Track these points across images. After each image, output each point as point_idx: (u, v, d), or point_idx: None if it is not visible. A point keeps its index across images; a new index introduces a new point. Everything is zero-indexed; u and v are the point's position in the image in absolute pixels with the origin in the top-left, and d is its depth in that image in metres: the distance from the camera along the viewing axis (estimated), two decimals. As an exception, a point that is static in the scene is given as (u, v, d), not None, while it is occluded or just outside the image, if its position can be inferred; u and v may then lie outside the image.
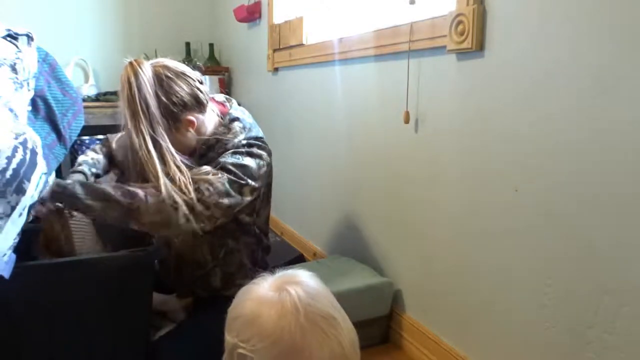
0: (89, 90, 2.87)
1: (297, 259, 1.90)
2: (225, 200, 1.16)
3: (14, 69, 1.02)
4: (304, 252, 2.11)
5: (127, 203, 1.09)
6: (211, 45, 3.10)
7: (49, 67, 1.46)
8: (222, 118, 1.29)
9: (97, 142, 2.69)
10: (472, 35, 1.14)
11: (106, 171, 1.41)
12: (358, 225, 1.74)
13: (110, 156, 1.45)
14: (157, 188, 1.11)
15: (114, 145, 1.46)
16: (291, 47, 2.13)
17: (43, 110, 1.47)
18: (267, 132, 2.27)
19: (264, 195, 1.35)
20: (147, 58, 1.22)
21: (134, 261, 1.11)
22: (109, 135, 1.49)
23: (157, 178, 1.12)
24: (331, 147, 1.89)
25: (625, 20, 0.86)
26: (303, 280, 0.68)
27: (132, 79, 1.13)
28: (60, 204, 1.09)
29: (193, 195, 1.12)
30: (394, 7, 1.54)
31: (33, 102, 1.28)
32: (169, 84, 1.17)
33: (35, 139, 0.94)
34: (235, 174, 1.18)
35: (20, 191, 0.87)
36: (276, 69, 2.35)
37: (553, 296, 1.03)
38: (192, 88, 1.21)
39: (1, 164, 0.84)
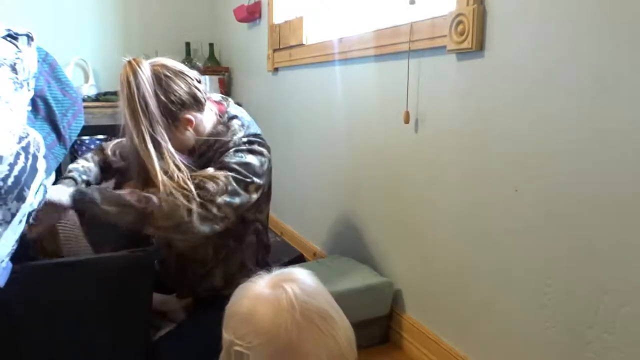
0: (89, 90, 2.87)
1: (297, 259, 1.90)
2: (236, 200, 1.17)
3: (14, 69, 1.02)
4: (304, 252, 2.11)
5: (141, 208, 1.10)
6: (211, 45, 3.10)
7: (49, 67, 1.46)
8: (220, 116, 1.30)
9: (97, 141, 2.69)
10: (472, 35, 1.14)
11: (99, 181, 1.38)
12: (358, 225, 1.74)
13: (103, 164, 1.42)
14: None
15: (109, 151, 1.46)
16: (291, 47, 2.13)
17: (43, 110, 1.47)
18: (267, 132, 2.27)
19: (267, 190, 1.35)
20: (147, 58, 1.23)
21: (134, 261, 1.11)
22: (103, 144, 1.49)
23: (155, 176, 1.13)
24: (331, 147, 1.89)
25: (625, 20, 0.86)
26: (299, 278, 0.68)
27: (131, 78, 1.13)
28: (79, 210, 1.12)
29: (194, 191, 1.13)
30: (394, 7, 1.54)
31: (33, 102, 1.28)
32: (168, 83, 1.18)
33: (38, 140, 0.94)
34: (240, 173, 1.19)
35: (21, 198, 0.87)
36: (276, 69, 2.35)
37: (553, 296, 1.03)
38: (190, 87, 1.21)
39: (3, 170, 0.84)
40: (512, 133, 1.10)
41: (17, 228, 0.90)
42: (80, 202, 1.10)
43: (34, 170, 0.90)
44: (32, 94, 1.13)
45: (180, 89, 1.19)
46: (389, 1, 1.59)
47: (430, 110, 1.34)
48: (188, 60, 3.02)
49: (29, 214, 0.93)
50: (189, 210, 1.11)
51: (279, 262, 1.39)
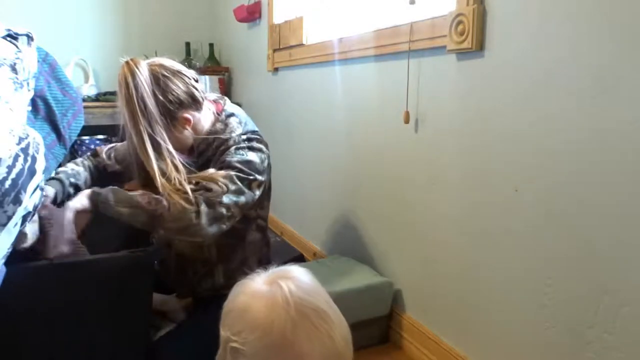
0: (89, 90, 2.88)
1: (297, 259, 1.90)
2: (242, 198, 1.18)
3: (14, 69, 1.02)
4: (304, 252, 2.11)
5: (151, 210, 1.12)
6: (211, 45, 3.10)
7: (49, 67, 1.46)
8: (218, 115, 1.30)
9: (97, 141, 2.68)
10: (472, 35, 1.14)
11: (89, 185, 1.36)
12: (358, 225, 1.74)
13: (96, 168, 1.41)
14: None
15: (104, 155, 1.45)
16: (291, 47, 2.13)
17: (43, 110, 1.47)
18: (267, 132, 2.27)
19: (267, 187, 1.36)
20: (147, 58, 1.23)
21: (134, 261, 1.11)
22: (97, 148, 1.48)
23: (154, 177, 1.14)
24: (331, 147, 1.89)
25: (625, 20, 0.86)
26: (296, 276, 0.68)
27: (129, 79, 1.14)
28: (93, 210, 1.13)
29: (190, 193, 1.13)
30: (394, 7, 1.54)
31: (33, 102, 1.27)
32: (166, 83, 1.18)
33: (38, 141, 0.94)
34: (242, 171, 1.19)
35: (17, 201, 0.87)
36: (276, 69, 2.35)
37: (553, 296, 1.03)
38: (188, 86, 1.22)
39: (1, 173, 0.84)
40: (512, 133, 1.10)
41: (12, 231, 0.90)
42: (97, 203, 1.12)
43: (31, 172, 0.90)
44: (32, 94, 1.12)
45: (178, 88, 1.20)
46: (389, 1, 1.59)
47: (430, 110, 1.34)
48: (187, 60, 3.02)
49: (24, 217, 0.92)
50: (197, 212, 1.11)
51: (279, 262, 1.39)
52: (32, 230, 1.05)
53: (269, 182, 1.36)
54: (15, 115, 0.96)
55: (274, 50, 2.31)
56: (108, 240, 1.27)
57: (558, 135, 0.99)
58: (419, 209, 1.42)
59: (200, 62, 3.12)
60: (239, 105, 1.44)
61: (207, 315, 1.17)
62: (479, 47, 1.15)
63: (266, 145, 1.30)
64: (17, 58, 1.03)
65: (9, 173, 0.85)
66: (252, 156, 1.22)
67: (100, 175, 1.42)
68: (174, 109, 1.20)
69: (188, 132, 1.25)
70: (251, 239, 1.35)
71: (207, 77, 2.94)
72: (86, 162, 1.41)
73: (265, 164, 1.26)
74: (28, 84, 1.08)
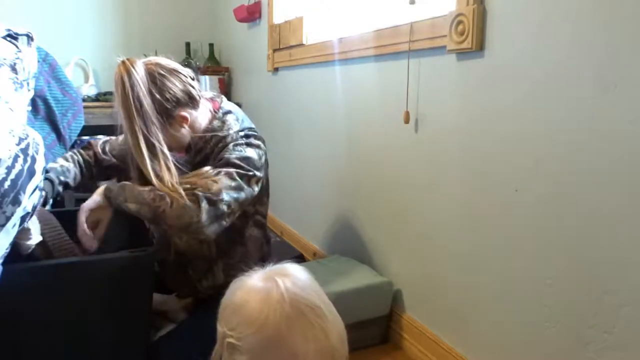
0: (89, 90, 2.88)
1: (297, 259, 1.90)
2: (242, 194, 1.18)
3: (14, 69, 1.02)
4: (304, 252, 2.11)
5: (155, 206, 1.13)
6: (211, 45, 3.10)
7: (49, 67, 1.45)
8: (215, 112, 1.31)
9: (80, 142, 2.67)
10: (472, 35, 1.14)
11: (78, 181, 1.37)
12: (358, 225, 1.74)
13: (88, 163, 1.41)
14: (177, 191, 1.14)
15: (99, 149, 1.45)
16: (291, 47, 2.13)
17: (43, 110, 1.46)
18: (267, 132, 2.27)
19: (265, 184, 1.36)
20: (146, 57, 1.23)
21: (134, 261, 1.11)
22: (91, 141, 1.47)
23: (149, 177, 1.15)
24: (331, 147, 1.89)
25: (626, 20, 0.86)
26: (292, 273, 0.69)
27: (125, 78, 1.14)
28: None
29: (183, 193, 1.14)
30: (394, 7, 1.54)
31: (33, 102, 1.27)
32: (162, 81, 1.19)
33: (37, 141, 0.94)
34: (241, 167, 1.19)
35: (17, 202, 0.87)
36: (276, 69, 2.35)
37: (553, 296, 1.03)
38: (184, 84, 1.22)
39: (1, 173, 0.84)
40: (512, 133, 1.10)
41: (11, 232, 0.90)
42: (109, 199, 1.17)
43: (31, 173, 0.90)
44: (32, 94, 1.13)
45: (174, 86, 1.20)
46: (389, 1, 1.59)
47: (430, 110, 1.34)
48: (187, 60, 3.02)
49: (23, 218, 0.92)
50: (198, 210, 1.11)
51: (278, 261, 1.40)
52: (35, 226, 1.05)
53: (266, 178, 1.36)
54: (15, 115, 0.96)
55: (274, 50, 2.31)
56: (108, 240, 1.27)
57: (558, 135, 0.99)
58: (419, 208, 1.42)
59: (200, 62, 3.12)
60: (239, 105, 1.44)
61: (207, 315, 1.17)
62: (479, 47, 1.15)
63: (263, 142, 1.31)
64: (17, 58, 1.03)
65: (8, 174, 0.85)
66: (250, 152, 1.23)
67: (91, 170, 1.42)
68: (171, 107, 1.20)
69: (185, 131, 1.25)
70: (250, 236, 1.36)
71: (207, 77, 2.94)
72: (76, 157, 1.40)
73: (263, 160, 1.27)
74: (28, 84, 1.08)
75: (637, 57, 0.84)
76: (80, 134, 1.59)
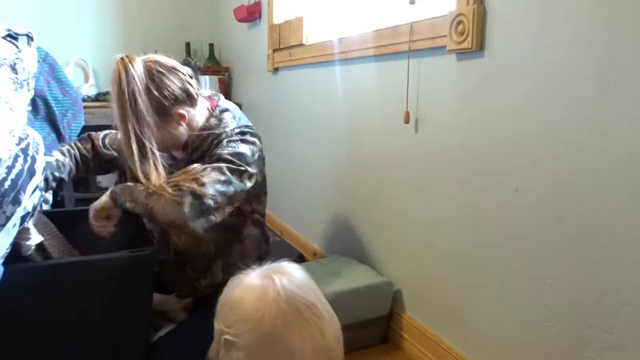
0: (89, 90, 2.88)
1: (297, 259, 1.90)
2: (230, 189, 1.18)
3: (14, 69, 1.02)
4: (304, 252, 2.11)
5: (145, 203, 1.15)
6: (211, 45, 3.10)
7: (49, 67, 1.45)
8: (212, 110, 1.31)
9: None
10: (472, 35, 1.14)
11: (74, 175, 1.37)
12: (358, 225, 1.74)
13: (85, 157, 1.41)
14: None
15: (99, 143, 1.44)
16: (291, 47, 2.13)
17: (43, 110, 1.46)
18: (267, 132, 2.26)
19: (261, 181, 1.36)
20: (145, 54, 1.24)
21: (134, 261, 1.11)
22: (92, 134, 1.45)
23: (137, 176, 1.17)
24: (331, 147, 1.89)
25: (626, 20, 0.86)
26: (289, 271, 0.69)
27: (123, 75, 1.15)
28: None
29: (170, 190, 1.15)
30: (394, 7, 1.54)
31: (33, 102, 1.27)
32: (160, 78, 1.19)
33: (38, 141, 0.94)
34: (233, 162, 1.20)
35: (17, 202, 0.87)
36: (276, 69, 2.35)
37: (553, 296, 1.03)
38: (183, 82, 1.23)
39: (1, 173, 0.84)
40: (512, 132, 1.10)
41: (11, 232, 0.90)
42: (115, 200, 1.20)
43: (31, 173, 0.90)
44: (32, 94, 1.13)
45: (172, 84, 1.21)
46: (389, 1, 1.59)
47: (430, 110, 1.34)
48: (187, 60, 3.02)
49: (23, 218, 0.92)
50: (182, 205, 1.12)
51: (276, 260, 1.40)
52: (34, 227, 1.05)
53: (263, 175, 1.36)
54: (15, 115, 0.96)
55: (274, 50, 2.31)
56: (109, 240, 1.28)
57: (558, 135, 0.99)
58: (419, 208, 1.42)
59: (200, 62, 3.12)
60: (239, 105, 1.44)
61: (207, 315, 1.17)
62: (479, 47, 1.15)
63: (259, 139, 1.31)
64: (17, 58, 1.03)
65: (8, 173, 0.85)
66: (244, 148, 1.23)
67: (87, 164, 1.41)
68: (169, 105, 1.21)
69: (183, 129, 1.26)
70: (248, 234, 1.36)
71: (207, 77, 2.94)
72: (73, 151, 1.39)
73: (257, 156, 1.27)
74: (28, 84, 1.08)
75: (637, 57, 0.84)
76: (80, 134, 1.60)
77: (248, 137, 1.27)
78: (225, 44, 3.13)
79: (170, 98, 1.20)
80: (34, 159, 0.92)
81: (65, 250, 1.27)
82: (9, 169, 0.85)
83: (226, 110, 1.31)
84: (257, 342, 0.63)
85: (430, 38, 1.29)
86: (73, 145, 1.41)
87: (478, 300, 1.23)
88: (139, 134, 1.16)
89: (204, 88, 2.74)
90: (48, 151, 1.34)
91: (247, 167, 1.21)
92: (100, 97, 2.79)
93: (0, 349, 1.05)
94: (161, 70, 1.20)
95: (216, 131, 1.26)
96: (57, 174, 1.31)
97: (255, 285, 0.67)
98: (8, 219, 0.87)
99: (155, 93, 1.18)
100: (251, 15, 2.50)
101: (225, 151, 1.21)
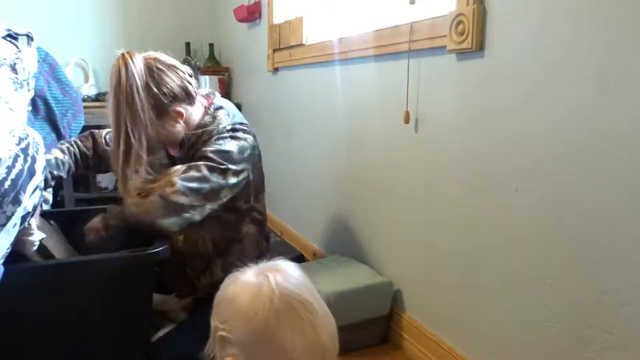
0: (89, 90, 2.88)
1: (297, 259, 1.90)
2: (206, 186, 1.19)
3: (14, 69, 1.02)
4: (304, 252, 2.11)
5: (120, 211, 1.20)
6: (211, 45, 3.10)
7: (49, 67, 1.45)
8: (207, 108, 1.32)
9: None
10: (472, 35, 1.14)
11: (73, 172, 1.38)
12: (358, 225, 1.74)
13: (85, 155, 1.42)
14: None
15: (102, 140, 1.45)
16: (291, 47, 2.13)
17: (43, 110, 1.46)
18: (267, 132, 2.26)
19: (257, 179, 1.36)
20: (146, 51, 1.26)
21: (134, 261, 1.11)
22: (94, 132, 1.46)
23: (117, 178, 1.22)
24: (331, 147, 1.89)
25: (626, 20, 0.86)
26: (284, 269, 0.70)
27: (122, 71, 1.16)
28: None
29: (137, 194, 1.19)
30: (394, 7, 1.54)
31: (33, 102, 1.27)
32: (160, 75, 1.20)
33: (38, 141, 0.94)
34: (213, 160, 1.21)
35: (17, 202, 0.87)
36: (276, 69, 2.35)
37: (553, 296, 1.03)
38: (182, 80, 1.24)
39: (1, 173, 0.84)
40: (513, 132, 1.10)
41: (11, 231, 0.90)
42: (107, 226, 1.23)
43: (31, 173, 0.90)
44: (32, 94, 1.13)
45: (172, 81, 1.22)
46: (389, 1, 1.59)
47: (430, 110, 1.34)
48: (187, 60, 3.02)
49: (23, 218, 0.92)
50: (150, 205, 1.16)
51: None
52: (35, 223, 1.05)
53: (259, 173, 1.37)
54: (15, 115, 0.96)
55: (274, 50, 2.31)
56: (109, 241, 1.28)
57: (558, 135, 0.99)
58: (419, 208, 1.42)
59: (200, 62, 3.12)
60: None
61: (206, 314, 1.17)
62: (479, 47, 1.15)
63: (253, 136, 1.32)
64: (17, 58, 1.03)
65: (8, 173, 0.85)
66: (230, 146, 1.24)
67: (86, 162, 1.41)
68: (168, 102, 1.22)
69: (180, 126, 1.27)
70: (247, 233, 1.36)
71: (207, 77, 2.94)
72: (72, 149, 1.39)
73: (247, 153, 1.27)
74: (28, 84, 1.08)
75: (637, 57, 0.84)
76: (80, 135, 1.59)
77: (239, 134, 1.27)
78: (225, 44, 3.13)
79: (169, 95, 1.21)
80: (34, 159, 0.92)
81: (66, 251, 1.28)
82: (9, 168, 0.85)
83: (220, 107, 1.32)
84: (251, 338, 0.64)
85: (430, 38, 1.29)
86: (73, 142, 1.41)
87: (478, 300, 1.23)
88: (130, 133, 1.17)
89: (204, 88, 2.74)
90: (48, 151, 1.35)
91: (229, 164, 1.22)
92: (100, 97, 2.79)
93: (0, 349, 1.05)
94: (161, 67, 1.21)
95: (209, 128, 1.27)
96: (56, 172, 1.31)
97: (250, 283, 0.67)
98: (8, 218, 0.87)
99: (155, 90, 1.19)
100: (251, 15, 2.50)
101: (209, 148, 1.23)
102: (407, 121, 1.40)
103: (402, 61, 1.41)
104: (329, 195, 1.94)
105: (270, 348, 0.63)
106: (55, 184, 1.34)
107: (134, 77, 1.16)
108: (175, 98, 1.22)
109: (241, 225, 1.35)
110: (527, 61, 1.05)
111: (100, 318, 1.11)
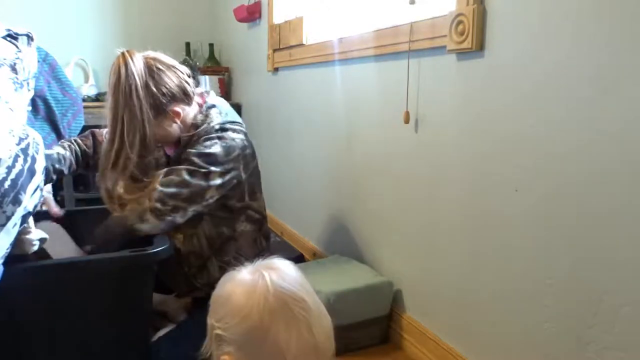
0: (89, 90, 2.88)
1: (297, 259, 1.90)
2: (184, 190, 1.21)
3: (14, 69, 1.02)
4: (304, 252, 2.11)
5: (106, 224, 1.24)
6: (211, 45, 3.10)
7: (49, 67, 1.46)
8: (201, 107, 1.33)
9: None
10: (472, 35, 1.14)
11: (75, 169, 1.38)
12: (358, 225, 1.74)
13: (85, 153, 1.42)
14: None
15: (103, 137, 1.45)
16: (291, 47, 2.13)
17: (43, 110, 1.46)
18: (267, 132, 2.26)
19: (251, 178, 1.36)
20: (147, 50, 1.27)
21: (134, 261, 1.11)
22: (95, 130, 1.46)
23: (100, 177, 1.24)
24: (331, 147, 1.89)
25: (626, 20, 0.86)
26: (279, 267, 0.70)
27: (122, 70, 1.18)
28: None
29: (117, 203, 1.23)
30: (394, 7, 1.54)
31: (33, 102, 1.28)
32: (160, 75, 1.21)
33: (37, 140, 0.94)
34: (194, 164, 1.22)
35: (17, 202, 0.87)
36: (276, 69, 2.35)
37: (553, 296, 1.03)
38: (180, 80, 1.25)
39: (1, 173, 0.84)
40: (513, 133, 1.10)
41: (11, 231, 0.90)
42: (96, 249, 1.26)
43: (31, 173, 0.90)
44: (32, 94, 1.13)
45: (171, 81, 1.23)
46: (389, 1, 1.59)
47: (430, 110, 1.34)
48: (187, 60, 3.02)
49: (24, 217, 0.92)
50: (127, 212, 1.19)
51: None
52: (33, 222, 1.05)
53: (253, 171, 1.37)
54: (15, 115, 0.96)
55: (274, 50, 2.31)
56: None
57: (558, 135, 0.99)
58: (418, 208, 1.42)
59: (200, 62, 3.12)
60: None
61: (206, 315, 1.18)
62: (479, 47, 1.15)
63: (244, 134, 1.32)
64: (17, 58, 1.03)
65: (8, 173, 0.85)
66: (215, 148, 1.25)
67: (86, 160, 1.42)
68: (166, 102, 1.23)
69: (177, 126, 1.28)
70: (242, 231, 1.36)
71: (207, 77, 2.94)
72: (73, 146, 1.40)
73: (235, 154, 1.27)
74: (28, 84, 1.08)
75: (637, 57, 0.84)
76: (81, 134, 1.60)
77: (228, 134, 1.27)
78: (225, 44, 3.13)
79: (168, 95, 1.22)
80: (34, 159, 0.92)
81: (75, 252, 1.29)
82: (9, 168, 0.85)
83: (213, 106, 1.33)
84: (245, 335, 0.64)
85: (430, 38, 1.29)
86: (73, 141, 1.42)
87: (478, 300, 1.23)
88: (125, 132, 1.17)
89: (204, 88, 2.74)
90: (49, 149, 1.35)
91: (212, 167, 1.23)
92: (100, 97, 2.79)
93: (0, 349, 1.05)
94: (161, 67, 1.22)
95: (200, 128, 1.28)
96: (57, 165, 1.31)
97: (245, 281, 0.68)
98: (8, 218, 0.87)
99: (154, 89, 1.20)
100: (251, 15, 2.50)
101: (193, 151, 1.24)
102: (407, 121, 1.40)
103: (402, 61, 1.41)
104: (329, 195, 1.94)
105: (265, 346, 0.63)
106: (57, 178, 1.34)
107: (134, 77, 1.16)
108: (173, 98, 1.23)
109: (236, 224, 1.35)
110: (527, 61, 1.05)
111: (100, 318, 1.11)
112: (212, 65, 3.07)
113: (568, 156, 0.97)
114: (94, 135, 1.44)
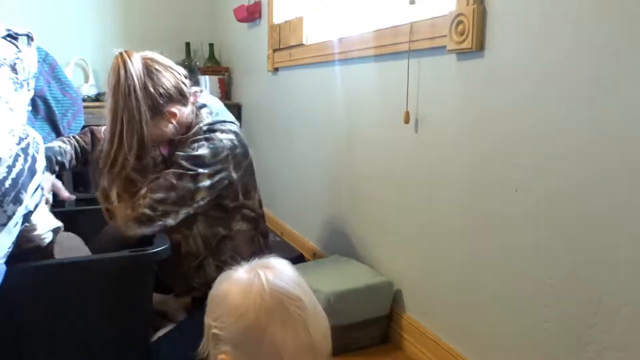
0: (89, 90, 2.88)
1: (297, 259, 1.90)
2: (172, 194, 1.21)
3: (14, 69, 1.02)
4: (304, 252, 2.11)
5: (104, 232, 1.27)
6: (211, 45, 3.10)
7: (49, 67, 1.46)
8: (194, 106, 1.33)
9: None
10: (472, 35, 1.14)
11: (75, 164, 1.39)
12: (358, 225, 1.74)
13: (84, 150, 1.42)
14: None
15: (102, 136, 1.45)
16: (291, 47, 2.13)
17: (43, 110, 1.47)
18: (267, 132, 2.26)
19: (244, 177, 1.36)
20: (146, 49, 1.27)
21: (134, 261, 1.11)
22: (93, 128, 1.46)
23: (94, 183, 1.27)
24: (331, 147, 1.89)
25: (626, 20, 0.86)
26: (275, 266, 0.70)
27: (122, 71, 1.17)
28: None
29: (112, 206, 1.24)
30: (394, 7, 1.54)
31: (33, 102, 1.28)
32: (157, 76, 1.22)
33: (38, 140, 0.95)
34: (182, 167, 1.23)
35: (18, 201, 0.87)
36: (276, 69, 2.35)
37: (553, 296, 1.03)
38: (177, 81, 1.26)
39: (1, 173, 0.84)
40: (513, 133, 1.10)
41: (13, 231, 0.90)
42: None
43: (32, 172, 0.90)
44: (32, 94, 1.13)
45: (168, 82, 1.23)
46: (389, 1, 1.59)
47: (430, 110, 1.34)
48: (187, 60, 3.02)
49: (25, 217, 0.92)
50: (117, 220, 1.21)
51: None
52: (40, 220, 1.05)
53: (246, 170, 1.37)
54: (15, 115, 0.96)
55: (274, 50, 2.31)
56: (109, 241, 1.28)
57: (558, 135, 0.99)
58: (418, 208, 1.42)
59: (200, 62, 3.11)
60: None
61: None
62: (479, 47, 1.15)
63: (235, 134, 1.32)
64: (17, 58, 1.03)
65: (9, 173, 0.85)
66: (202, 149, 1.25)
67: (85, 156, 1.42)
68: (163, 102, 1.23)
69: (172, 126, 1.28)
70: (238, 230, 1.36)
71: (207, 77, 2.94)
72: (72, 141, 1.41)
73: (224, 154, 1.27)
74: (28, 84, 1.08)
75: (637, 57, 0.84)
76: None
77: (216, 135, 1.27)
78: (225, 44, 3.13)
79: (165, 96, 1.23)
80: (34, 159, 0.92)
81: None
82: (10, 168, 0.85)
83: (203, 105, 1.33)
84: (242, 334, 0.64)
85: (430, 38, 1.29)
86: (72, 137, 1.43)
87: (478, 300, 1.23)
88: (124, 133, 1.17)
89: (205, 88, 2.75)
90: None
91: (200, 169, 1.23)
92: (100, 97, 2.79)
93: (0, 349, 1.05)
94: (159, 68, 1.23)
95: (192, 128, 1.29)
96: (59, 158, 1.33)
97: (241, 280, 0.68)
98: (9, 218, 0.87)
99: (152, 90, 1.20)
100: (251, 15, 2.50)
101: (181, 154, 1.25)
102: (407, 121, 1.40)
103: (402, 61, 1.41)
104: (329, 195, 1.94)
105: (262, 345, 0.63)
106: (58, 170, 1.35)
107: (133, 77, 1.17)
108: (170, 99, 1.24)
109: (231, 223, 1.35)
110: (527, 61, 1.05)
111: (100, 318, 1.11)
112: (212, 65, 3.07)
113: (568, 156, 0.97)
114: (92, 132, 1.44)
